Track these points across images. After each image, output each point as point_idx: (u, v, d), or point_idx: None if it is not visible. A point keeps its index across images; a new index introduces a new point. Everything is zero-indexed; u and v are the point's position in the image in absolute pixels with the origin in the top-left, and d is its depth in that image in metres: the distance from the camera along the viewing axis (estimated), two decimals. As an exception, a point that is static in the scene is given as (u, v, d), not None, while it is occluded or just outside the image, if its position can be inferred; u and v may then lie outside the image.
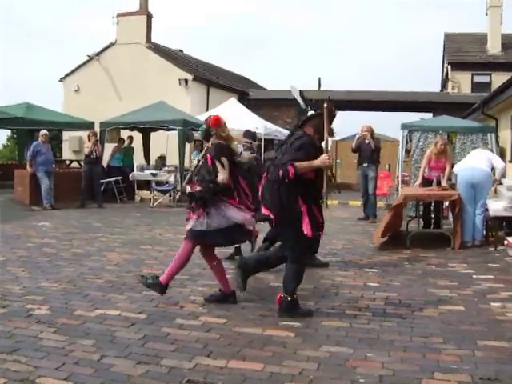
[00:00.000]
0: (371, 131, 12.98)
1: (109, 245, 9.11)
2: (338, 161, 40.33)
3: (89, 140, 15.26)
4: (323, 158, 5.12)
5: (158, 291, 5.65)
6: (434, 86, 36.34)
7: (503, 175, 10.21)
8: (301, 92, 5.93)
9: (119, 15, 24.74)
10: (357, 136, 13.08)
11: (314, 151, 5.20)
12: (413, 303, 5.83)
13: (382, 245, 9.38)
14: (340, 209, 16.48)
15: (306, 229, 5.08)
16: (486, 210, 9.38)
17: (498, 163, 9.66)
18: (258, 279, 6.84)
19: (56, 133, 24.51)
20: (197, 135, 19.83)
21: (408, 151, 14.70)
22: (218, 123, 5.75)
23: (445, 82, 30.87)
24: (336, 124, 29.09)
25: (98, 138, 15.85)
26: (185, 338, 4.68)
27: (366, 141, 12.94)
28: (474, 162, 9.54)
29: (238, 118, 16.29)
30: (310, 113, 5.49)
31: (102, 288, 6.28)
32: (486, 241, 9.54)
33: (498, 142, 14.21)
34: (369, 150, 12.80)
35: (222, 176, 5.52)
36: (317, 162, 5.10)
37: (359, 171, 13.25)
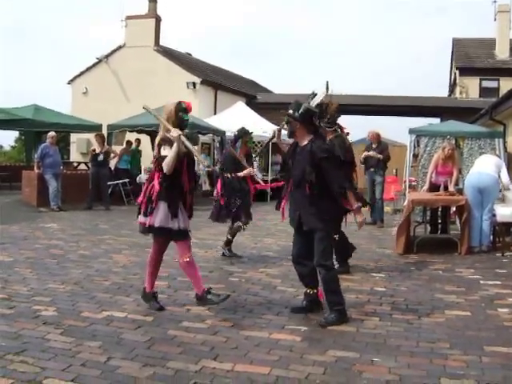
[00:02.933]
0: (377, 136, 12.99)
1: (116, 247, 9.12)
2: (344, 165, 40.06)
3: (97, 142, 15.32)
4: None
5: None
6: (442, 91, 36.18)
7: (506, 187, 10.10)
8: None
9: (128, 18, 24.82)
10: (364, 154, 13.03)
11: None
12: (420, 308, 5.82)
13: (389, 249, 9.40)
14: (347, 213, 16.41)
15: None
16: (494, 215, 9.36)
17: (504, 177, 9.58)
18: (265, 283, 6.85)
19: (64, 135, 24.59)
20: (205, 138, 19.94)
21: (416, 156, 14.67)
22: None
23: (453, 86, 30.82)
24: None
25: (106, 140, 15.93)
26: (191, 340, 4.69)
27: (373, 146, 12.96)
28: (481, 167, 9.52)
29: (245, 121, 16.31)
30: None
31: (108, 290, 6.30)
32: (494, 246, 9.50)
33: (505, 148, 14.16)
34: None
35: None
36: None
37: (366, 176, 13.25)
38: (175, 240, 5.56)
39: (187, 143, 5.25)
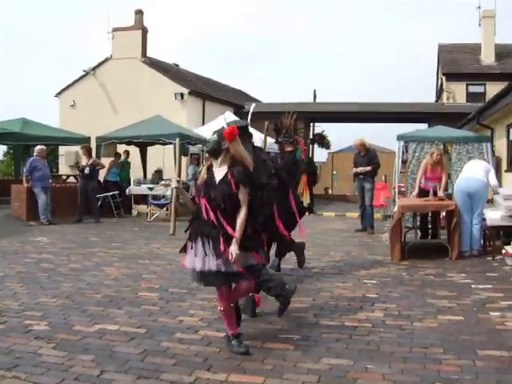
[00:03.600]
0: (363, 145, 13.03)
1: (107, 259, 9.08)
2: (333, 173, 40.30)
3: (83, 154, 15.31)
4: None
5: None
6: (429, 97, 36.40)
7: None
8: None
9: (114, 30, 24.81)
10: (354, 170, 13.12)
11: None
12: (412, 314, 5.83)
13: (380, 256, 9.44)
14: (337, 220, 16.49)
15: None
16: (484, 219, 9.40)
17: (492, 180, 9.64)
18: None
19: (52, 148, 24.52)
20: (194, 149, 19.92)
21: (404, 162, 14.73)
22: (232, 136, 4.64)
23: (440, 92, 30.99)
24: (331, 136, 29.22)
25: (95, 152, 15.95)
26: (184, 351, 4.67)
27: (361, 154, 13.02)
28: (470, 172, 9.57)
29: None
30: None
31: (100, 303, 6.26)
32: (484, 250, 9.54)
33: (493, 152, 14.25)
34: (364, 163, 12.87)
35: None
36: None
37: (356, 183, 13.33)
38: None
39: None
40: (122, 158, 18.28)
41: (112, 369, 4.25)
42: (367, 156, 12.96)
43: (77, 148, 21.16)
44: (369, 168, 12.81)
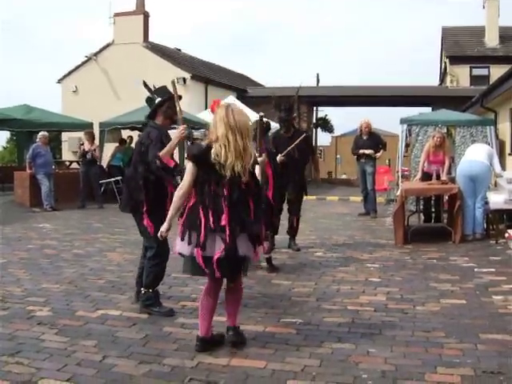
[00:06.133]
0: (370, 126, 12.97)
1: (109, 245, 9.10)
2: (337, 156, 40.15)
3: (86, 139, 15.29)
4: (178, 130, 5.13)
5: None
6: (433, 80, 36.20)
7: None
8: (144, 83, 6.08)
9: (116, 15, 24.68)
10: (360, 152, 12.95)
11: (166, 139, 5.34)
12: (414, 298, 5.83)
13: (383, 240, 9.44)
14: (341, 205, 16.49)
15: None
16: (486, 203, 9.38)
17: (496, 167, 9.60)
18: (260, 277, 6.84)
19: (55, 134, 24.51)
20: (197, 133, 19.89)
21: (408, 146, 14.70)
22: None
23: (443, 75, 30.83)
24: (334, 120, 29.17)
25: (98, 138, 15.91)
26: (186, 336, 4.68)
27: (364, 137, 12.96)
28: (473, 155, 9.53)
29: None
30: (157, 100, 5.55)
31: (103, 288, 6.28)
32: (487, 234, 9.53)
33: (497, 135, 14.20)
34: (368, 146, 12.81)
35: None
36: (174, 140, 5.18)
37: (358, 167, 13.29)
38: None
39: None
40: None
41: (114, 354, 4.26)
42: (371, 139, 12.89)
43: (80, 134, 21.16)
44: (379, 154, 12.76)
